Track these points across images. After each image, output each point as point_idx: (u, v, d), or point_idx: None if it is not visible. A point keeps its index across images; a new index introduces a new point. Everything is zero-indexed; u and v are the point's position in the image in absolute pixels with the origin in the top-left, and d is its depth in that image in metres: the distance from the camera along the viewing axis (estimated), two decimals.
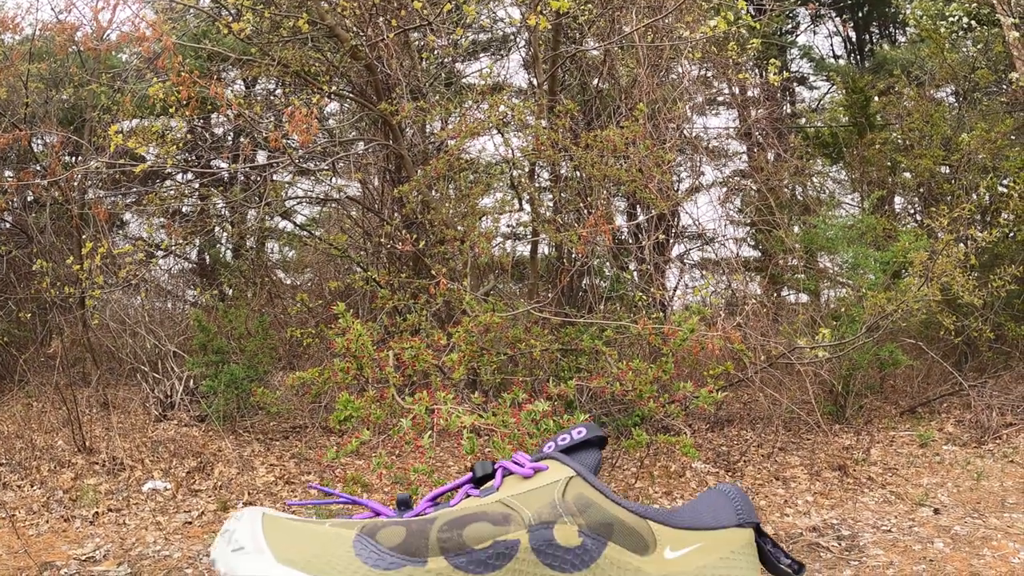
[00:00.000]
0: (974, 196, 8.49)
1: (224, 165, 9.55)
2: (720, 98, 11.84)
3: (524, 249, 9.80)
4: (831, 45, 14.56)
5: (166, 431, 6.48)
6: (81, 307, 6.76)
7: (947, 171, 8.73)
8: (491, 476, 0.60)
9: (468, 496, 0.58)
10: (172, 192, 8.45)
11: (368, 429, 4.34)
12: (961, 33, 8.53)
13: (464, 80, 10.12)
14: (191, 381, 7.30)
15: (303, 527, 0.55)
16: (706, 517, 0.58)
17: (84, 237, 6.13)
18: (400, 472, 3.93)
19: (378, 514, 0.59)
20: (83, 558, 4.07)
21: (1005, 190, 8.37)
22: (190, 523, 4.84)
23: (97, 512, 4.71)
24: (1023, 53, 7.25)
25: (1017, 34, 7.30)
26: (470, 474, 0.61)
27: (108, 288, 6.43)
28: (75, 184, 6.91)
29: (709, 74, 9.72)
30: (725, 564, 0.58)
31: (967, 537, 4.76)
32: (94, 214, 6.19)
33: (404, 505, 0.59)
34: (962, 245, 6.79)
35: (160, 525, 4.72)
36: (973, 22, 8.27)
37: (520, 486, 0.56)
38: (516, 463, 0.58)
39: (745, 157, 12.28)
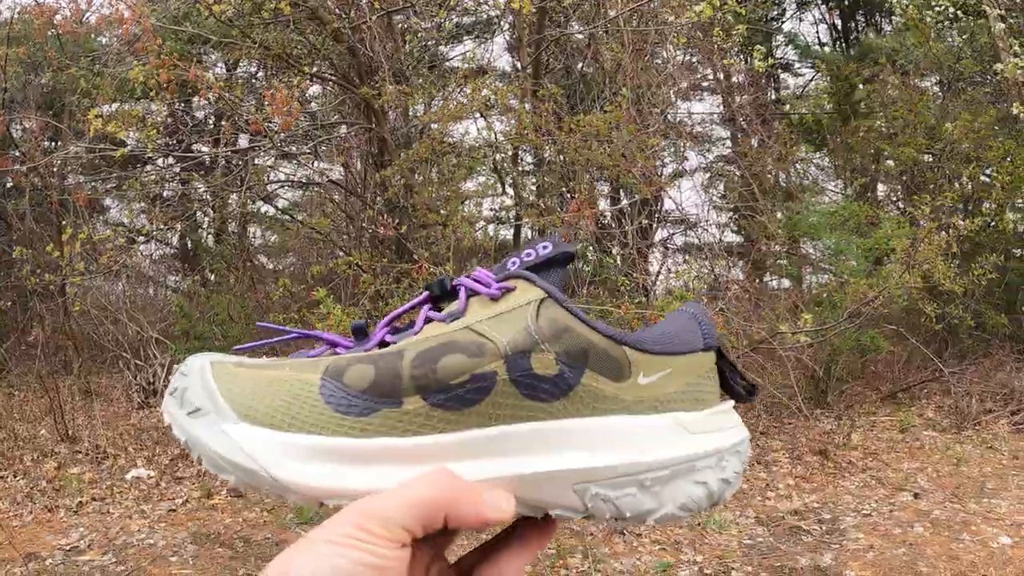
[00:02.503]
0: (956, 185, 8.55)
1: (205, 149, 9.44)
2: (705, 83, 11.83)
3: (507, 232, 9.80)
4: (817, 32, 14.56)
5: (149, 418, 6.45)
6: (62, 294, 6.69)
7: (930, 159, 8.78)
8: (449, 295, 0.56)
9: (430, 320, 0.54)
10: (153, 177, 8.35)
11: None
12: (947, 23, 8.54)
13: (448, 63, 10.06)
14: (174, 367, 7.27)
15: (260, 374, 0.52)
16: (676, 341, 0.55)
17: (64, 224, 6.05)
18: None
19: (335, 345, 0.56)
20: (68, 548, 4.06)
21: (988, 179, 8.43)
22: (174, 511, 4.83)
23: (81, 501, 4.69)
24: (1008, 44, 7.28)
25: (1003, 25, 7.33)
26: (426, 293, 0.57)
27: (89, 275, 6.36)
28: (54, 170, 6.81)
29: (694, 59, 9.71)
30: (692, 389, 0.55)
31: (947, 522, 4.84)
32: (74, 200, 6.11)
33: (360, 333, 0.55)
34: (944, 233, 6.85)
35: (144, 513, 4.70)
36: (959, 12, 8.28)
37: (488, 309, 0.53)
38: (478, 281, 0.55)
39: (729, 143, 12.31)
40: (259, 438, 0.49)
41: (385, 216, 6.47)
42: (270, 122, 6.24)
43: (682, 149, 10.25)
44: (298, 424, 0.50)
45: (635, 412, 0.53)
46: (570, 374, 0.51)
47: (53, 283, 6.11)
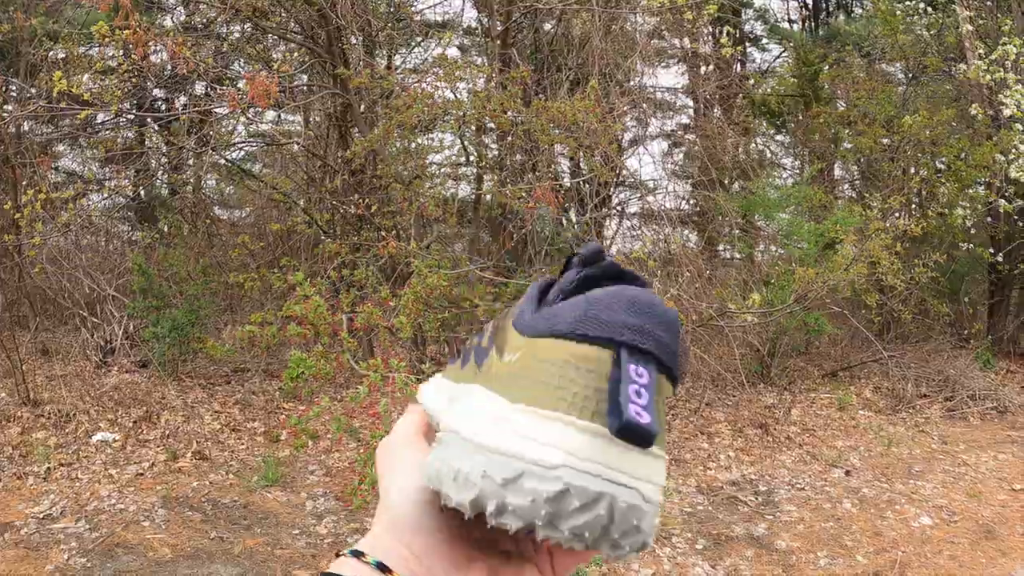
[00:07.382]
0: (913, 171, 8.76)
1: (164, 96, 9.22)
2: (671, 51, 11.85)
3: (466, 190, 9.85)
4: (787, 9, 14.48)
5: (109, 378, 6.46)
6: (19, 253, 6.58)
7: (887, 142, 8.93)
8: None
9: None
10: (111, 132, 8.15)
11: (323, 393, 4.47)
12: (915, 17, 8.64)
13: (417, 16, 9.94)
14: (131, 325, 7.22)
15: None
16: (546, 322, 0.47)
17: (25, 184, 5.94)
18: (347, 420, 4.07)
19: None
20: (41, 516, 4.13)
21: (940, 175, 8.67)
22: (142, 475, 4.91)
23: (49, 468, 4.73)
24: (975, 46, 7.45)
25: (971, 27, 7.49)
26: None
27: (49, 235, 6.27)
28: (11, 129, 6.60)
29: (662, 28, 9.75)
30: (532, 375, 0.45)
31: (874, 500, 5.20)
32: (37, 163, 5.99)
33: None
34: (891, 227, 7.09)
35: (112, 478, 4.78)
36: (928, 7, 8.39)
37: None
38: None
39: (692, 111, 12.43)
40: None
41: (355, 198, 6.47)
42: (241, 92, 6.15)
43: (644, 116, 10.35)
44: None
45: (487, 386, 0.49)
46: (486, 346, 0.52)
47: (10, 243, 6.02)
